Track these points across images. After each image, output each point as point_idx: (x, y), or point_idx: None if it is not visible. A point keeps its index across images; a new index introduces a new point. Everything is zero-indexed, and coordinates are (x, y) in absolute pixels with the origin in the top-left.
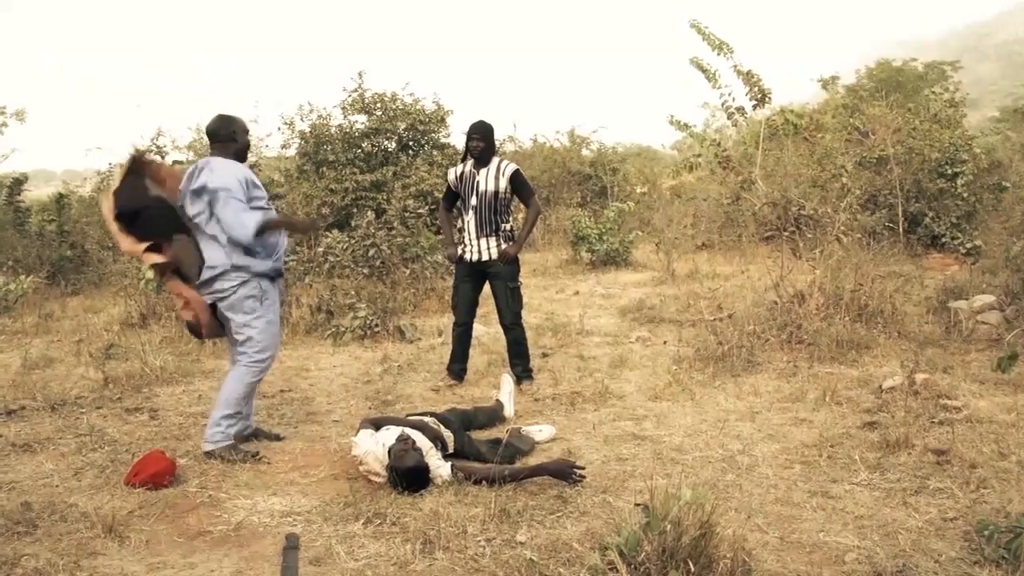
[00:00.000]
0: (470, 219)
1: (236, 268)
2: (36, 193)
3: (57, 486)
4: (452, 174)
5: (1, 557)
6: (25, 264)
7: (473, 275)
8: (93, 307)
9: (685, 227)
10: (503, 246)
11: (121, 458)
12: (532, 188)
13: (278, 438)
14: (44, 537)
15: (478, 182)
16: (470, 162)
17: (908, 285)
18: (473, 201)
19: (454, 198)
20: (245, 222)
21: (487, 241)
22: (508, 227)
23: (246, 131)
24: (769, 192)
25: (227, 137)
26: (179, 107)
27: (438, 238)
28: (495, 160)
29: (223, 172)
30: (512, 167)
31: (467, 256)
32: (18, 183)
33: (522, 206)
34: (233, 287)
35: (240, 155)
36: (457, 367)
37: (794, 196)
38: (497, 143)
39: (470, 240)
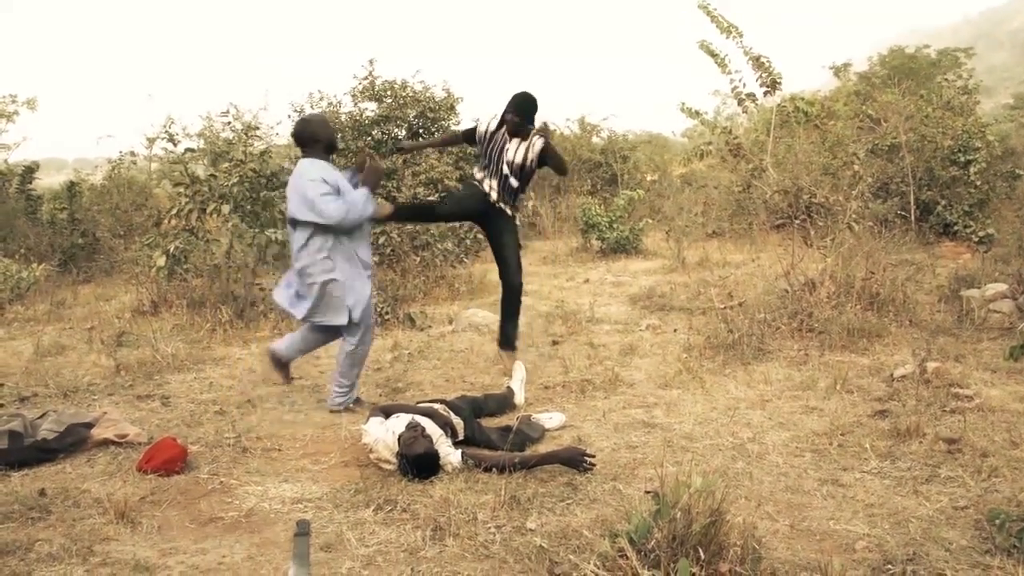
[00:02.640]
0: (493, 183)
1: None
2: (47, 181)
3: (70, 472)
4: (483, 126)
5: (16, 542)
6: (37, 252)
7: (479, 201)
8: (104, 295)
9: (696, 215)
10: (511, 211)
11: (133, 445)
12: (560, 156)
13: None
14: (58, 523)
15: (507, 150)
16: (504, 128)
17: (920, 273)
18: (504, 169)
19: (468, 140)
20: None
21: (500, 203)
22: (523, 201)
23: (326, 124)
24: (780, 180)
25: (310, 139)
26: (190, 95)
27: (448, 225)
28: (533, 139)
29: (297, 176)
30: (541, 142)
31: (483, 188)
32: (29, 171)
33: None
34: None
35: (329, 150)
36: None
37: (805, 184)
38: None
39: (480, 184)
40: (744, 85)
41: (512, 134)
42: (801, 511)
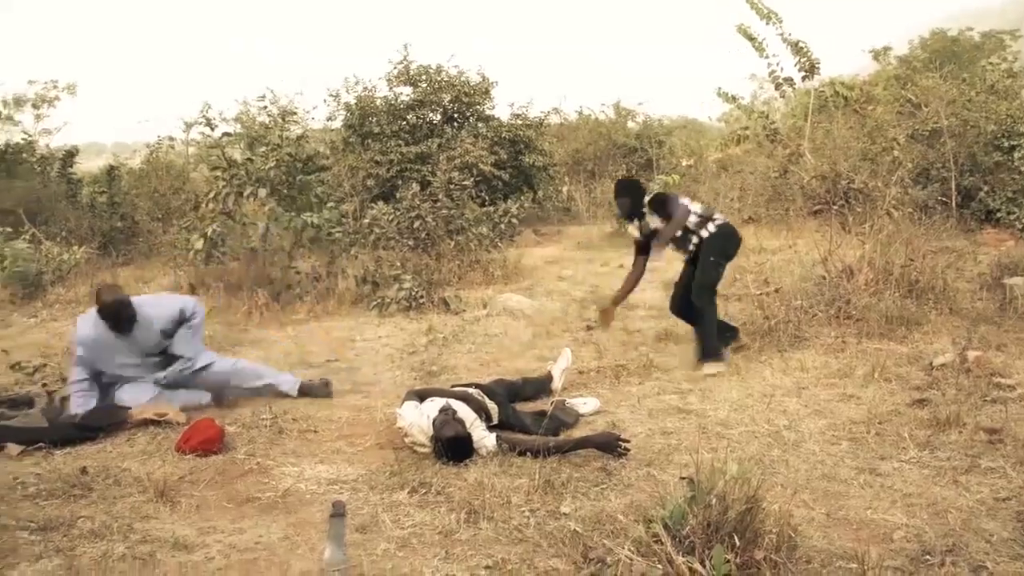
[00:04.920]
0: (676, 251)
1: None
2: (87, 165)
3: (111, 451)
4: (633, 229)
5: (60, 518)
6: (77, 235)
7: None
8: (143, 277)
9: (731, 200)
10: (702, 233)
11: (172, 425)
12: (670, 210)
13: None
14: (99, 500)
15: (652, 225)
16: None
17: (961, 261)
18: (670, 247)
19: (645, 246)
20: None
21: (689, 247)
22: (695, 220)
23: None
24: (818, 165)
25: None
26: (226, 80)
27: (483, 210)
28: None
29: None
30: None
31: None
32: (70, 156)
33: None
34: None
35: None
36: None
37: (844, 169)
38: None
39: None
40: (782, 69)
41: (638, 215)
42: (837, 500)
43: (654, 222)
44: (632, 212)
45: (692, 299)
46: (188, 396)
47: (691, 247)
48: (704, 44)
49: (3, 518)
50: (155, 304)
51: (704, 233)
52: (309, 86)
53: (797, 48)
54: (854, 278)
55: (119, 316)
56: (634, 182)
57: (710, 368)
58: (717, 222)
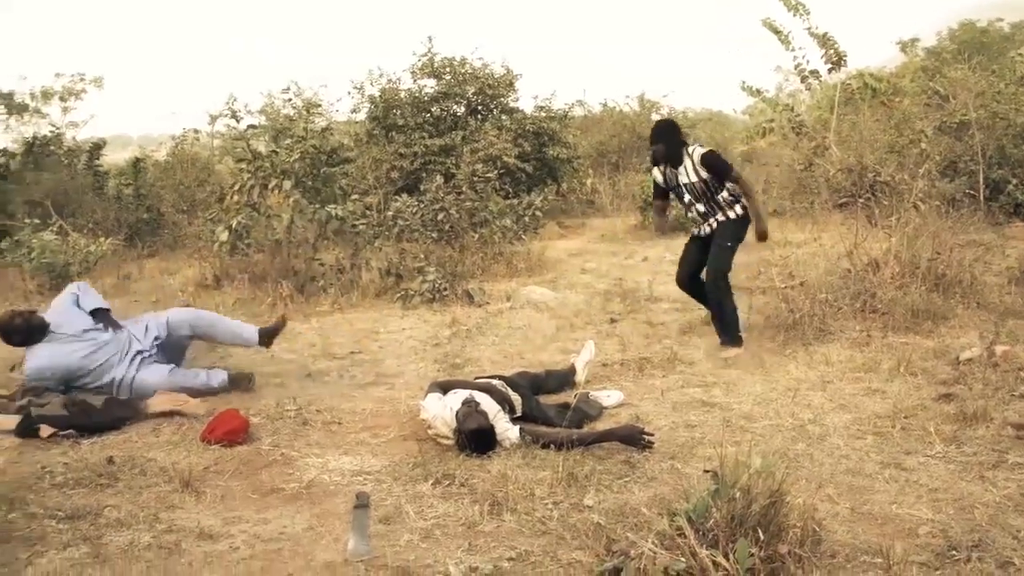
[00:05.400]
0: (695, 209)
1: None
2: (113, 157)
3: (136, 442)
4: (657, 175)
5: (87, 507)
6: (104, 227)
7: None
8: (169, 268)
9: (756, 193)
10: (729, 213)
11: (193, 416)
12: (726, 165)
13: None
14: (125, 490)
15: (680, 178)
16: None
17: (989, 254)
18: (687, 197)
19: (664, 192)
20: None
21: (710, 219)
22: (726, 195)
23: None
24: (844, 158)
25: None
26: (251, 71)
27: (506, 202)
28: (687, 151)
29: None
30: (700, 152)
31: (699, 233)
32: (97, 148)
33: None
34: None
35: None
36: None
37: (870, 162)
38: (684, 136)
39: (698, 222)
40: (808, 62)
41: (670, 161)
42: (862, 494)
43: (690, 176)
44: (667, 158)
45: (707, 288)
46: (209, 376)
47: (712, 221)
48: (728, 40)
49: (32, 506)
50: (55, 311)
51: (732, 214)
52: (333, 77)
53: (824, 40)
54: (880, 271)
55: (26, 329)
56: (674, 126)
57: (728, 352)
58: (743, 204)
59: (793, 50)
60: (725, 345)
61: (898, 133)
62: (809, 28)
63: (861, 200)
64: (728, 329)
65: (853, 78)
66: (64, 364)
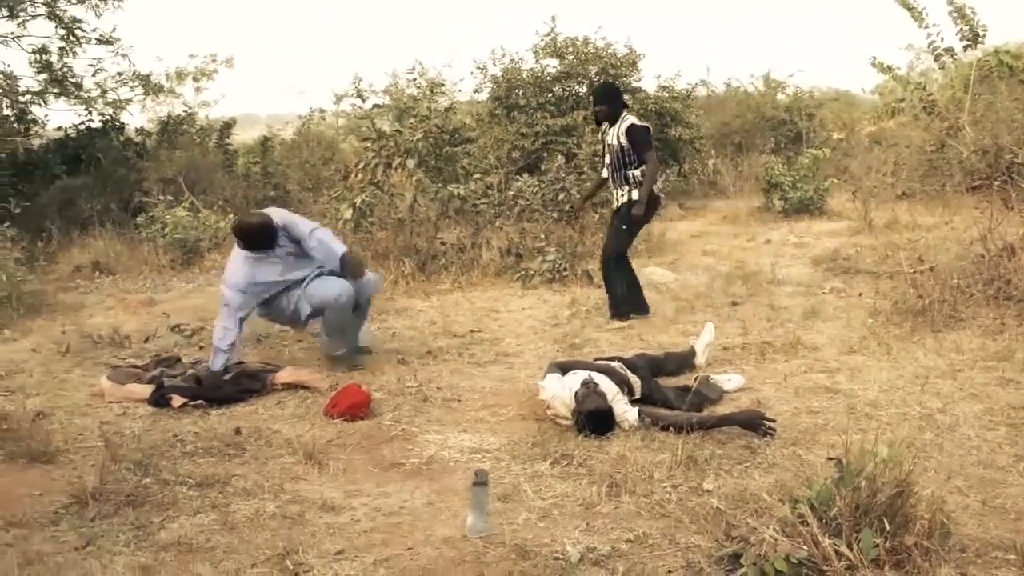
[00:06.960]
0: (610, 173)
1: None
2: (242, 136)
3: (262, 414)
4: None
5: (215, 475)
6: (233, 204)
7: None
8: None
9: (884, 175)
10: (632, 193)
11: (316, 390)
12: (647, 143)
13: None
14: (251, 460)
15: (607, 138)
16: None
17: None
18: (607, 158)
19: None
20: None
21: (619, 191)
22: (637, 174)
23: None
24: (978, 139)
25: None
26: (376, 54)
27: None
28: (623, 117)
29: None
30: (628, 122)
31: (615, 205)
32: (227, 127)
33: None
34: None
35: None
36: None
37: (1007, 143)
38: (627, 101)
39: (611, 190)
40: (942, 39)
41: (608, 121)
42: (994, 487)
43: (613, 139)
44: (608, 118)
45: (600, 263)
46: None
47: (620, 195)
48: (859, 13)
49: (164, 472)
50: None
51: (636, 195)
52: (457, 58)
53: (962, 15)
54: (1016, 257)
55: (261, 236)
56: (616, 89)
57: (612, 324)
58: (658, 188)
59: (927, 26)
60: (613, 319)
61: None
62: (949, 2)
63: (996, 183)
64: (616, 303)
65: (990, 55)
66: (258, 288)
